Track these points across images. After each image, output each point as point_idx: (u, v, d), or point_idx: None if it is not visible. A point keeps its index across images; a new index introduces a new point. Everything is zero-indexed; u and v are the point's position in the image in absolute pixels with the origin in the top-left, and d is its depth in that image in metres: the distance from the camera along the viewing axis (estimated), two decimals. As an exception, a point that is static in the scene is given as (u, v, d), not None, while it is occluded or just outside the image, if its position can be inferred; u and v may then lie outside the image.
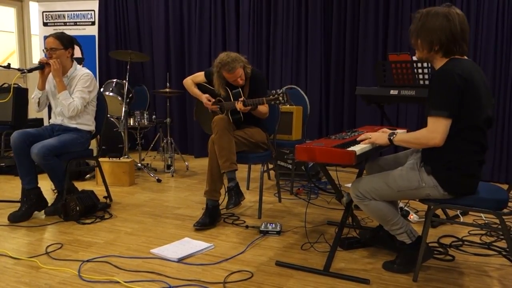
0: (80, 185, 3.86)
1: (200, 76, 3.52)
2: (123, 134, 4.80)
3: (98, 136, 3.67)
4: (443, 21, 2.03)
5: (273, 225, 2.95)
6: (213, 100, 3.40)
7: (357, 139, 2.31)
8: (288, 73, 5.38)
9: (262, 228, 2.93)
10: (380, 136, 2.26)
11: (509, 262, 2.48)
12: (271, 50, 5.46)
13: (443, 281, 2.23)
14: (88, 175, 4.55)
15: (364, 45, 5.01)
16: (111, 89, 5.01)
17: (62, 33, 3.39)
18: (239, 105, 3.13)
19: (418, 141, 2.09)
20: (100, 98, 3.53)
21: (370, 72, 4.95)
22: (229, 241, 2.78)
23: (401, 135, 2.19)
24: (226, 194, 3.06)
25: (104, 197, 3.58)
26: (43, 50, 3.53)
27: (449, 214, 3.23)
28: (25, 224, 3.09)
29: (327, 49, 5.22)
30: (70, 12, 5.86)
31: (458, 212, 3.28)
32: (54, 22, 5.91)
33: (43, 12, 5.91)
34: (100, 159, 3.85)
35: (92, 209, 3.30)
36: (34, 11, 6.37)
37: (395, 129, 2.62)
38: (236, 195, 3.02)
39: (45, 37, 3.51)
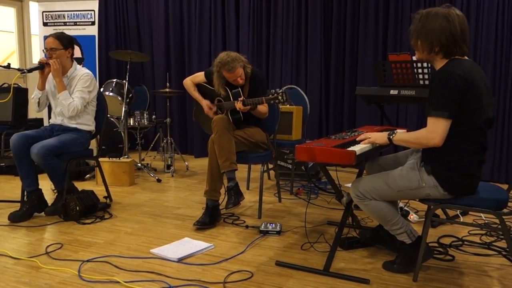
0: (80, 185, 3.86)
1: (200, 76, 3.52)
2: (123, 134, 4.80)
3: (98, 136, 3.67)
4: (443, 22, 2.03)
5: (273, 225, 2.95)
6: (214, 108, 3.41)
7: (357, 139, 2.31)
8: (288, 73, 5.38)
9: (262, 228, 2.93)
10: (380, 135, 2.26)
11: (509, 262, 2.48)
12: (271, 50, 5.46)
13: (443, 281, 2.23)
14: (88, 175, 4.55)
15: (364, 45, 5.01)
16: (111, 89, 5.01)
17: (62, 33, 3.39)
18: (238, 105, 3.13)
19: (417, 141, 2.09)
20: (100, 98, 3.53)
21: (370, 72, 4.95)
22: (229, 241, 2.78)
23: (401, 135, 2.19)
24: (226, 194, 3.06)
25: (104, 197, 3.58)
26: (43, 50, 3.53)
27: (449, 214, 3.23)
28: (25, 224, 3.09)
29: (327, 49, 5.22)
30: (70, 12, 5.86)
31: (458, 212, 3.28)
32: (54, 22, 5.91)
33: (43, 12, 5.91)
34: (100, 159, 3.85)
35: (92, 209, 3.30)
36: (34, 11, 6.37)
37: (395, 129, 2.62)
38: (235, 195, 3.02)
39: (45, 37, 3.51)
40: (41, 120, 5.76)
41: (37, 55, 6.72)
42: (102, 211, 3.38)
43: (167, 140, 4.99)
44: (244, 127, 3.30)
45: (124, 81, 4.77)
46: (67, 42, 3.31)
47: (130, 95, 4.89)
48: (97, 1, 5.84)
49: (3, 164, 4.76)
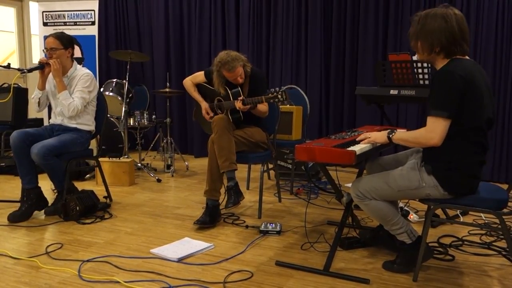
0: (80, 185, 3.86)
1: (200, 76, 3.52)
2: (123, 134, 4.80)
3: (98, 136, 3.67)
4: (441, 22, 2.03)
5: (273, 225, 2.95)
6: (211, 114, 3.42)
7: (357, 139, 2.31)
8: (288, 73, 5.38)
9: (262, 228, 2.93)
10: (379, 134, 2.26)
11: (509, 262, 2.48)
12: (271, 50, 5.46)
13: (443, 281, 2.23)
14: (88, 175, 4.55)
15: (364, 45, 5.01)
16: (111, 89, 5.01)
17: (62, 33, 3.40)
18: (238, 104, 3.13)
19: (416, 140, 2.09)
20: (100, 98, 3.53)
21: (370, 72, 4.95)
22: (229, 241, 2.78)
23: (400, 134, 2.19)
24: (226, 193, 3.06)
25: (104, 197, 3.58)
26: (43, 50, 3.53)
27: (449, 214, 3.23)
28: (25, 224, 3.09)
29: (327, 49, 5.22)
30: (70, 12, 5.86)
31: (458, 212, 3.28)
32: (54, 22, 5.91)
33: (43, 12, 5.91)
34: (100, 159, 3.85)
35: (92, 209, 3.30)
36: (34, 11, 6.37)
37: (395, 129, 2.62)
38: (235, 194, 3.02)
39: (45, 37, 3.51)
40: (41, 120, 5.76)
41: (37, 55, 6.73)
42: (102, 211, 3.38)
43: (167, 140, 4.99)
44: (244, 127, 3.30)
45: (124, 81, 4.77)
46: (67, 42, 3.31)
47: (130, 95, 4.89)
48: (97, 1, 5.84)
49: (3, 164, 4.76)
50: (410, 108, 4.86)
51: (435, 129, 2.00)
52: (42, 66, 3.27)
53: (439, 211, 3.08)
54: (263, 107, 3.27)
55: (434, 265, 2.43)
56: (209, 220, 3.03)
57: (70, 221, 3.14)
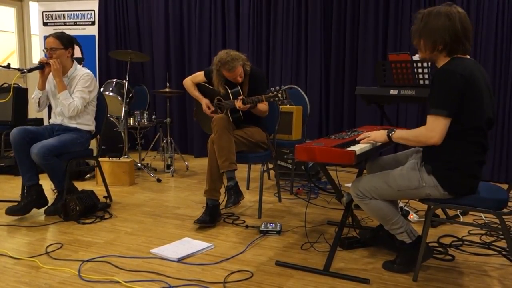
0: (80, 185, 3.86)
1: (199, 75, 3.52)
2: (123, 134, 4.80)
3: (98, 136, 3.67)
4: (445, 20, 2.02)
5: (273, 225, 2.95)
6: (212, 108, 3.41)
7: (357, 139, 2.31)
8: (288, 73, 5.38)
9: (262, 228, 2.93)
10: (379, 133, 2.26)
11: (509, 261, 2.48)
12: (271, 50, 5.46)
13: (443, 281, 2.23)
14: (88, 175, 4.55)
15: (364, 45, 5.01)
16: (111, 89, 5.01)
17: (62, 33, 3.40)
18: (238, 104, 3.13)
19: (416, 139, 2.09)
20: (100, 98, 3.53)
21: (370, 72, 4.95)
22: (229, 241, 2.78)
23: (400, 133, 2.19)
24: (226, 193, 3.06)
25: (104, 197, 3.58)
26: (43, 50, 3.53)
27: (449, 214, 3.23)
28: (25, 224, 3.09)
29: (327, 49, 5.22)
30: (70, 12, 5.86)
31: (458, 212, 3.28)
32: (54, 22, 5.91)
33: (43, 12, 5.91)
34: (100, 159, 3.85)
35: (92, 209, 3.30)
36: (34, 11, 6.37)
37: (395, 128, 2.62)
38: (235, 194, 3.02)
39: (45, 37, 3.51)
40: (41, 120, 5.76)
41: (37, 55, 6.73)
42: (102, 211, 3.38)
43: (167, 140, 4.99)
44: (244, 127, 3.30)
45: (124, 81, 4.77)
46: (67, 42, 3.31)
47: (130, 95, 4.89)
48: (97, 1, 5.85)
49: (3, 164, 4.76)
50: (410, 108, 4.86)
51: (435, 128, 2.00)
52: (42, 66, 3.27)
53: (439, 211, 3.08)
54: (263, 106, 3.27)
55: (434, 265, 2.43)
56: (209, 219, 3.03)
57: (70, 221, 3.14)
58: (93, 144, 3.64)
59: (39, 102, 3.36)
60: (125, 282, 2.18)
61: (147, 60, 5.50)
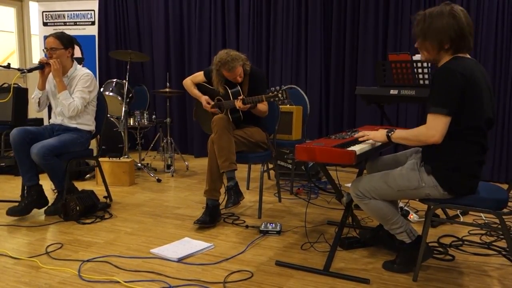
0: (80, 185, 3.86)
1: (199, 76, 3.52)
2: (123, 134, 4.80)
3: (98, 136, 3.67)
4: (449, 19, 2.02)
5: (273, 225, 2.95)
6: (212, 103, 3.41)
7: (355, 135, 2.31)
8: (288, 73, 5.38)
9: (262, 228, 2.93)
10: (378, 133, 2.26)
11: (509, 261, 2.48)
12: (271, 50, 5.46)
13: (443, 281, 2.23)
14: (88, 175, 4.55)
15: (364, 45, 5.01)
16: (111, 89, 5.01)
17: (62, 33, 3.40)
18: (238, 103, 3.13)
19: (416, 138, 2.08)
20: (100, 98, 3.53)
21: (370, 72, 4.95)
22: (229, 241, 2.78)
23: (400, 132, 2.19)
24: (226, 193, 3.06)
25: (104, 197, 3.59)
26: (43, 50, 3.53)
27: (449, 214, 3.23)
28: (25, 224, 3.09)
29: (327, 49, 5.22)
30: (70, 12, 5.86)
31: (458, 212, 3.28)
32: (54, 22, 5.91)
33: (43, 12, 5.91)
34: (100, 159, 3.85)
35: (92, 209, 3.30)
36: (34, 11, 6.37)
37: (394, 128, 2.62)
38: (235, 194, 3.02)
39: (45, 37, 3.51)
40: (41, 120, 5.76)
41: (37, 55, 6.73)
42: (102, 211, 3.38)
43: (167, 140, 5.00)
44: (244, 127, 3.30)
45: (124, 81, 4.77)
46: (67, 42, 3.32)
47: (130, 95, 4.89)
48: (97, 1, 5.85)
49: (3, 164, 4.76)
50: (410, 108, 4.86)
51: (435, 126, 2.00)
52: (42, 66, 3.27)
53: (439, 211, 3.08)
54: (263, 106, 3.27)
55: (434, 265, 2.43)
56: (209, 220, 3.03)
57: (70, 221, 3.14)
58: (93, 144, 3.64)
59: (39, 102, 3.36)
60: (125, 282, 2.18)
61: (147, 60, 5.50)
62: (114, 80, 5.12)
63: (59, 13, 5.89)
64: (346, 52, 5.13)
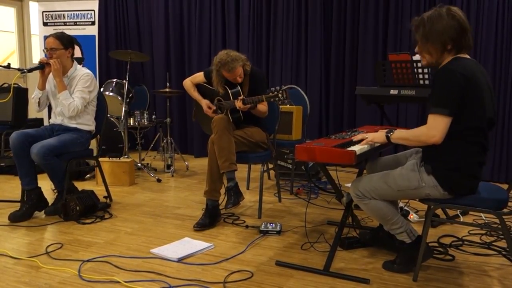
0: (80, 185, 3.86)
1: (199, 76, 3.52)
2: (123, 134, 4.80)
3: (98, 136, 3.67)
4: (449, 20, 2.03)
5: (273, 225, 2.95)
6: (213, 108, 3.41)
7: (353, 139, 2.30)
8: (288, 73, 5.38)
9: (262, 228, 2.93)
10: (378, 134, 2.26)
11: (509, 261, 2.48)
12: (271, 50, 5.46)
13: (443, 281, 2.23)
14: (88, 175, 4.55)
15: (364, 45, 5.01)
16: (111, 89, 5.01)
17: (62, 33, 3.40)
18: (238, 104, 3.13)
19: (417, 139, 2.08)
20: (100, 98, 3.53)
21: (370, 72, 4.95)
22: (229, 241, 2.78)
23: (399, 133, 2.18)
24: (226, 194, 3.06)
25: (104, 197, 3.59)
26: (43, 50, 3.53)
27: (449, 214, 3.23)
28: (25, 224, 3.09)
29: (327, 49, 5.22)
30: (70, 12, 5.86)
31: (458, 212, 3.28)
32: (54, 22, 5.91)
33: (43, 12, 5.91)
34: (100, 159, 3.85)
35: (92, 209, 3.30)
36: (34, 11, 6.37)
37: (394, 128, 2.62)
38: (235, 195, 3.02)
39: (45, 37, 3.51)
40: (41, 120, 5.76)
41: (37, 55, 6.72)
42: (102, 211, 3.38)
43: (167, 140, 5.00)
44: (244, 127, 3.30)
45: (124, 81, 4.77)
46: (67, 42, 3.32)
47: (130, 95, 4.89)
48: (97, 1, 5.84)
49: (3, 164, 4.76)
50: (410, 108, 4.86)
51: (436, 127, 2.00)
52: (42, 66, 3.27)
53: (439, 211, 3.08)
54: (263, 107, 3.27)
55: (434, 265, 2.43)
56: (209, 222, 3.03)
57: (70, 221, 3.14)
58: (93, 144, 3.64)
59: (39, 102, 3.36)
60: (125, 282, 2.18)
61: (147, 60, 5.50)
62: (114, 80, 5.12)
63: (59, 13, 5.89)
64: (346, 52, 5.13)
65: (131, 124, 4.87)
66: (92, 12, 5.82)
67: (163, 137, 5.24)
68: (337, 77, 5.19)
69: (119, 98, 4.94)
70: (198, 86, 3.55)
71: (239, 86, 3.29)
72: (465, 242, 2.76)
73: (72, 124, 3.35)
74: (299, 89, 4.38)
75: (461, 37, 2.04)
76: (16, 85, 3.74)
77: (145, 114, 4.93)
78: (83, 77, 3.32)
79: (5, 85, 4.10)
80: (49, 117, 3.69)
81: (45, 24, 5.93)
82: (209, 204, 3.09)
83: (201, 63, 5.76)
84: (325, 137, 2.51)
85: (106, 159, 4.30)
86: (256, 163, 4.04)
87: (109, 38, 6.32)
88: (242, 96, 3.18)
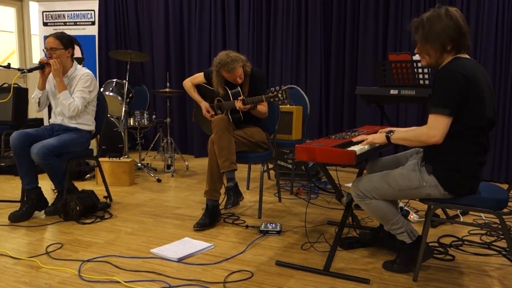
0: (80, 185, 3.86)
1: (199, 77, 3.52)
2: (123, 134, 4.80)
3: (98, 136, 3.67)
4: (447, 20, 2.04)
5: (273, 225, 2.95)
6: (212, 112, 3.42)
7: (353, 140, 2.30)
8: (288, 73, 5.38)
9: (262, 228, 2.93)
10: (378, 135, 2.26)
11: (509, 261, 2.48)
12: (271, 50, 5.46)
13: (443, 281, 2.23)
14: (88, 175, 4.55)
15: (364, 45, 5.01)
16: (111, 89, 5.01)
17: (62, 33, 3.40)
18: (238, 104, 3.13)
19: (417, 139, 2.08)
20: (100, 98, 3.53)
21: (370, 72, 4.95)
22: (229, 241, 2.78)
23: (400, 133, 2.18)
24: (225, 194, 3.06)
25: (104, 197, 3.58)
26: (43, 50, 3.53)
27: (449, 213, 3.23)
28: (25, 224, 3.09)
29: (327, 49, 5.22)
30: (70, 12, 5.86)
31: (458, 212, 3.28)
32: (54, 22, 5.91)
33: (43, 12, 5.91)
34: (100, 159, 3.85)
35: (92, 209, 3.30)
36: (34, 11, 6.37)
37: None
38: (234, 195, 3.02)
39: (45, 37, 3.51)
40: (41, 120, 5.76)
41: (37, 55, 6.72)
42: (102, 211, 3.38)
43: (167, 140, 5.00)
44: (244, 127, 3.30)
45: (124, 81, 4.77)
46: (67, 42, 3.32)
47: (130, 95, 4.89)
48: (97, 1, 5.84)
49: (3, 164, 4.76)
50: (410, 108, 4.86)
51: (437, 127, 2.00)
52: (42, 66, 3.27)
53: (439, 211, 3.08)
54: (263, 107, 3.27)
55: (434, 265, 2.43)
56: (209, 222, 3.03)
57: (70, 221, 3.14)
58: (93, 144, 3.64)
59: (39, 102, 3.36)
60: (125, 282, 2.18)
61: (147, 60, 5.50)
62: (114, 80, 5.12)
63: (59, 13, 5.89)
64: (346, 52, 5.13)
65: (131, 124, 4.87)
66: (92, 12, 5.82)
67: (163, 137, 5.24)
68: (337, 77, 5.19)
69: (119, 98, 4.94)
70: (198, 87, 3.55)
71: (239, 87, 3.29)
72: (465, 242, 2.76)
73: (72, 124, 3.35)
74: (299, 89, 4.38)
75: (460, 37, 2.05)
76: (16, 85, 3.74)
77: (145, 114, 4.93)
78: (83, 77, 3.32)
79: (5, 85, 4.10)
80: (49, 117, 3.69)
81: (45, 24, 5.93)
82: (209, 204, 3.09)
83: (201, 63, 5.76)
84: (325, 137, 2.51)
85: (106, 159, 4.30)
86: (256, 163, 4.04)
87: (109, 38, 6.32)
88: (242, 96, 3.18)
